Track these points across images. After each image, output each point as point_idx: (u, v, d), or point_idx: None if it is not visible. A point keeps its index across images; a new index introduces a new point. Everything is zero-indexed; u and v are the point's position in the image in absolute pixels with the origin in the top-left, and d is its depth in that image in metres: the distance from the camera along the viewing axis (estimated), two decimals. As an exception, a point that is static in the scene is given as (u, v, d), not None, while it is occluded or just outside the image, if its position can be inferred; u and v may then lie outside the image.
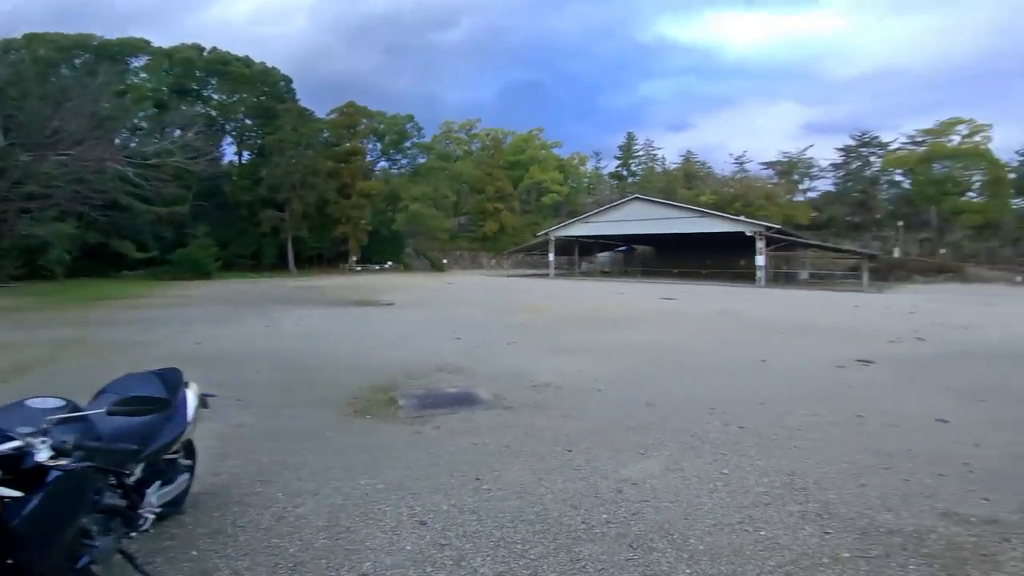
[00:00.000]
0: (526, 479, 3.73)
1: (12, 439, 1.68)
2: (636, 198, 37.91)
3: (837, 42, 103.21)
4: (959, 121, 45.59)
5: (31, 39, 29.53)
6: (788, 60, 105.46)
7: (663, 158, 64.55)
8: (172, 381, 2.98)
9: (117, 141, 26.01)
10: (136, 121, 30.46)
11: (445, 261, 46.89)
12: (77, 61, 30.36)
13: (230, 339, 9.84)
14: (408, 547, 2.83)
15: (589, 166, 67.01)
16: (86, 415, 1.99)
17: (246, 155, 39.99)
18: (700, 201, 42.79)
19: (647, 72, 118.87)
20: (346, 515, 3.16)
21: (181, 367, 7.48)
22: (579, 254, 42.82)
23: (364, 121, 44.19)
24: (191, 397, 3.02)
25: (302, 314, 14.24)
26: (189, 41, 37.12)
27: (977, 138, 45.09)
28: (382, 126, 46.52)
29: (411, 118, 47.94)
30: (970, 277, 37.34)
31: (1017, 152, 47.62)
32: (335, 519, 3.12)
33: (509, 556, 2.74)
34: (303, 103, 40.06)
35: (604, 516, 3.16)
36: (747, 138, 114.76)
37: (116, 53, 32.78)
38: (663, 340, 10.87)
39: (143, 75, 35.15)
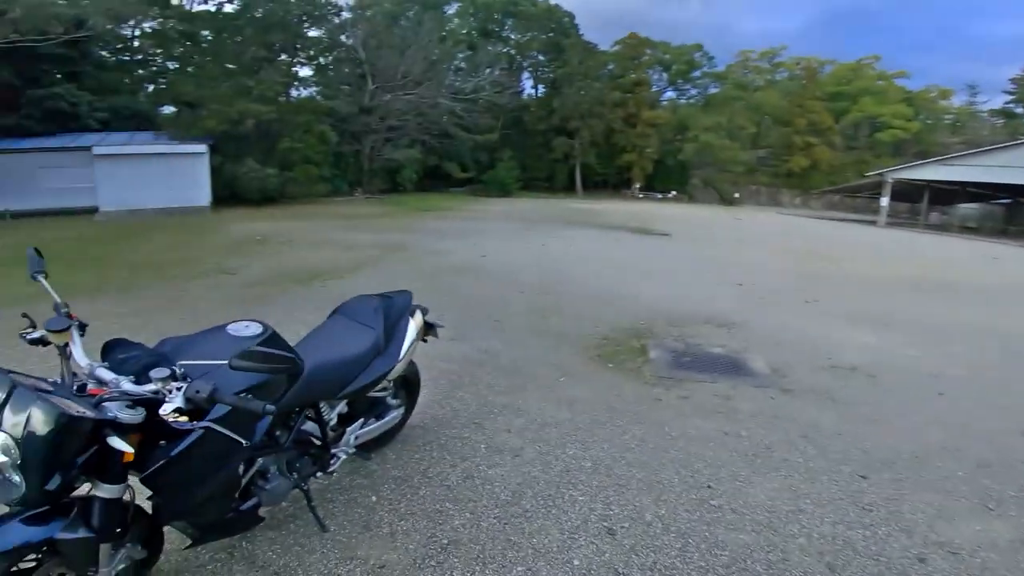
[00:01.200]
0: (778, 505, 2.69)
1: (149, 383, 1.54)
2: (1040, 137, 26.09)
3: None
4: None
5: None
6: None
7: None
8: (398, 307, 2.69)
9: (445, 81, 31.25)
10: (455, 62, 35.64)
11: (736, 195, 42.19)
12: (410, 13, 35.95)
13: (510, 255, 10.59)
14: (576, 562, 2.24)
15: (955, 101, 49.28)
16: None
17: (541, 88, 44.01)
18: None
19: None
20: (533, 494, 2.71)
21: (466, 279, 8.13)
22: (928, 202, 32.63)
23: (648, 52, 42.98)
24: (411, 329, 2.70)
25: (579, 236, 14.48)
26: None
27: None
28: (667, 56, 44.97)
29: (699, 47, 45.39)
30: None
31: None
32: (519, 495, 2.69)
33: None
34: (585, 37, 41.34)
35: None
36: None
37: (435, 3, 37.89)
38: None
39: (456, 20, 40.49)
